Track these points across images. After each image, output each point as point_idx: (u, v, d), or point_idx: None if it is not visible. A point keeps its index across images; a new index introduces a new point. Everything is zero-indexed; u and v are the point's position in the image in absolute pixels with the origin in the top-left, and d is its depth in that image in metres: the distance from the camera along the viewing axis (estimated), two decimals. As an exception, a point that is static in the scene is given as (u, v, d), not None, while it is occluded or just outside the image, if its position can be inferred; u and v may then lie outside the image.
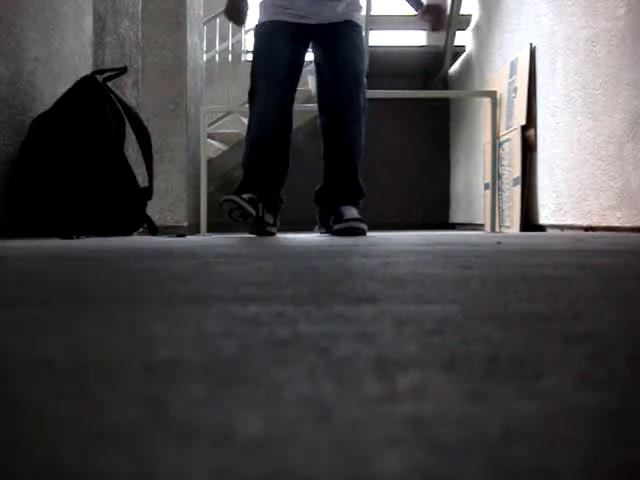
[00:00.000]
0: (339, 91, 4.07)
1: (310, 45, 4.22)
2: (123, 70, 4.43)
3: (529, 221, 5.64)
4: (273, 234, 4.18)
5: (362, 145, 4.20)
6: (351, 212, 4.08)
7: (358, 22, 4.26)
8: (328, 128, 4.14)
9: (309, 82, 7.34)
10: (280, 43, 4.08)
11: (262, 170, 4.15)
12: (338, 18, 4.15)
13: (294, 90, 4.15)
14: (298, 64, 4.17)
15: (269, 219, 4.15)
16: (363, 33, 4.34)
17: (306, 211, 8.53)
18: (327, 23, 4.14)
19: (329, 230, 4.17)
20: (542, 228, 5.41)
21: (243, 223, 4.18)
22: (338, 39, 4.12)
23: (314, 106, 4.38)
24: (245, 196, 4.12)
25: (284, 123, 4.13)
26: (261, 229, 4.12)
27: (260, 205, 4.08)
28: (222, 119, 8.27)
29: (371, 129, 8.45)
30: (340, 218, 4.06)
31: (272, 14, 4.14)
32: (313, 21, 4.14)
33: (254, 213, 4.06)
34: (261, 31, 4.18)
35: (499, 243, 2.74)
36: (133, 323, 0.73)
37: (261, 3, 4.24)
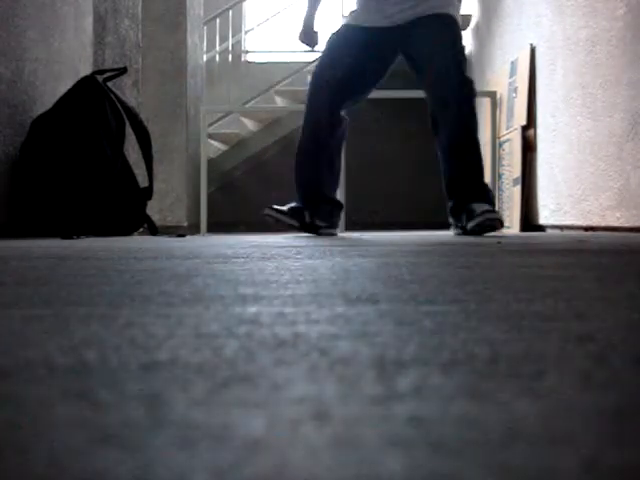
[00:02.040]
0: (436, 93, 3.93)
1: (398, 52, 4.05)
2: (123, 70, 4.43)
3: (529, 221, 5.64)
4: (333, 234, 4.16)
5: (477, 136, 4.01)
6: (481, 207, 3.84)
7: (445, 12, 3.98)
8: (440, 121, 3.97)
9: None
10: (346, 47, 3.97)
11: (301, 178, 4.13)
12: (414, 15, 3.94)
13: (346, 95, 4.03)
14: (363, 70, 4.02)
15: (320, 223, 4.11)
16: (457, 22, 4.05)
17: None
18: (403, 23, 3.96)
19: (464, 230, 3.93)
20: (542, 228, 5.41)
21: (295, 230, 4.16)
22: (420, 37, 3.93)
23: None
24: (285, 207, 4.09)
25: (325, 127, 4.04)
26: (315, 232, 4.11)
27: (307, 213, 4.06)
28: (222, 119, 8.27)
29: (371, 129, 8.46)
30: (472, 214, 3.84)
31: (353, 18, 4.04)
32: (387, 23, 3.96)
33: (296, 224, 4.04)
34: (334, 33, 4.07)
35: (499, 243, 2.74)
36: (133, 323, 0.73)
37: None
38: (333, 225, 4.23)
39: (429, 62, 3.94)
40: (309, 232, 4.12)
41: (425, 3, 3.96)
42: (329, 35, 4.12)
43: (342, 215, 5.24)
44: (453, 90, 3.92)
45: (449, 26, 3.98)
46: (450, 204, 4.05)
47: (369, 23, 4.00)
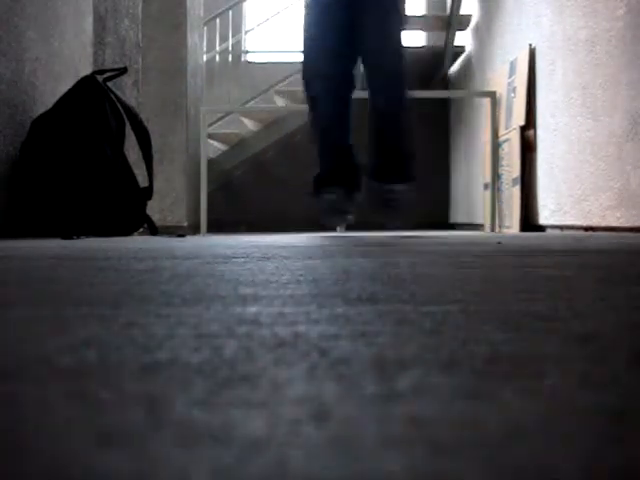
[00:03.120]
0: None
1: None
2: (123, 70, 4.43)
3: (529, 221, 5.64)
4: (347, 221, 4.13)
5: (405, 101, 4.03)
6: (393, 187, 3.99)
7: None
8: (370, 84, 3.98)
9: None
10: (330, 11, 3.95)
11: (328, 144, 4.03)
12: None
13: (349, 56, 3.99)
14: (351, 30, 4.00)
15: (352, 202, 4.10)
16: None
17: (307, 211, 8.53)
18: None
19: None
20: (542, 228, 5.41)
21: (336, 217, 4.08)
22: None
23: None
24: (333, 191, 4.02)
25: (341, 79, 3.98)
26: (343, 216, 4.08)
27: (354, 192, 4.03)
28: (222, 119, 8.28)
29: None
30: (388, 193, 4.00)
31: None
32: None
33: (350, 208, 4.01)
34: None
35: (499, 243, 2.74)
36: (133, 323, 0.73)
37: None
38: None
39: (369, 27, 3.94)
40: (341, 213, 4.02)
41: None
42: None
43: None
44: (389, 62, 4.00)
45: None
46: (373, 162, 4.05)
47: None
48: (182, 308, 0.85)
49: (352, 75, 4.09)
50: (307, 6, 4.08)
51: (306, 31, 4.07)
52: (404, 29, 4.05)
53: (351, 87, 4.07)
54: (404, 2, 4.11)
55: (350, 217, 4.14)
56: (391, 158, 4.04)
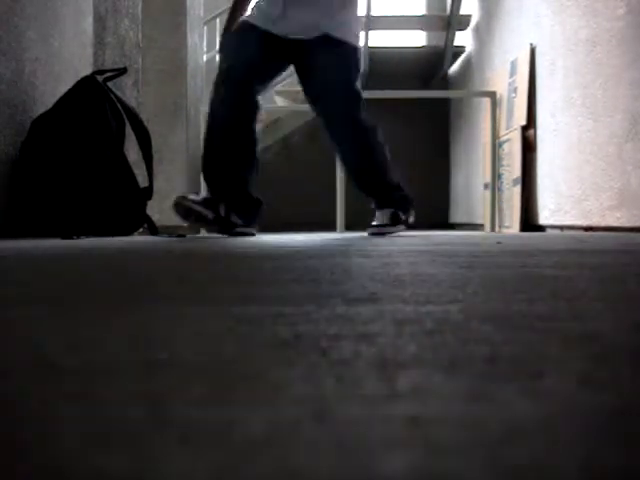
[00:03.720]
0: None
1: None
2: (123, 70, 4.43)
3: (529, 221, 5.64)
4: (250, 234, 4.01)
5: (378, 157, 4.09)
6: (381, 218, 4.06)
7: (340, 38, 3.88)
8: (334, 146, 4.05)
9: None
10: (249, 43, 3.89)
11: (217, 168, 3.97)
12: (312, 33, 3.86)
13: (255, 89, 3.94)
14: (264, 69, 3.95)
15: (236, 220, 3.96)
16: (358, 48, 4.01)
17: (306, 211, 8.53)
18: (300, 39, 3.88)
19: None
20: (542, 228, 5.41)
21: (206, 226, 4.00)
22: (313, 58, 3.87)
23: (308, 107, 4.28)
24: (197, 197, 3.98)
25: (239, 118, 3.92)
26: (228, 230, 3.94)
27: (222, 206, 3.90)
28: (222, 119, 8.27)
29: (371, 129, 8.41)
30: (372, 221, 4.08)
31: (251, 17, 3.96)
32: (284, 33, 3.88)
33: (210, 215, 3.88)
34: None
35: (499, 243, 2.74)
36: (133, 323, 0.73)
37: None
38: (250, 224, 4.07)
39: (321, 95, 3.91)
40: (221, 229, 3.94)
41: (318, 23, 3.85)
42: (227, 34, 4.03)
43: (342, 215, 5.23)
44: (343, 128, 3.93)
45: (344, 56, 3.89)
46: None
47: (262, 25, 3.91)
48: (182, 308, 0.85)
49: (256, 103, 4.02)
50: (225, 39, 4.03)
51: (221, 60, 4.03)
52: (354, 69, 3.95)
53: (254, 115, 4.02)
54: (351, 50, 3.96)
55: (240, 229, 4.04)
56: (380, 196, 4.12)
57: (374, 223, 4.08)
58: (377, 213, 4.10)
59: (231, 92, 3.89)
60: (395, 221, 4.08)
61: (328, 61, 3.83)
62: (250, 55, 3.88)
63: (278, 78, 4.18)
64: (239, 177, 4.01)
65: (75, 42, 4.85)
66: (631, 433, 0.36)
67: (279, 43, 3.89)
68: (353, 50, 3.92)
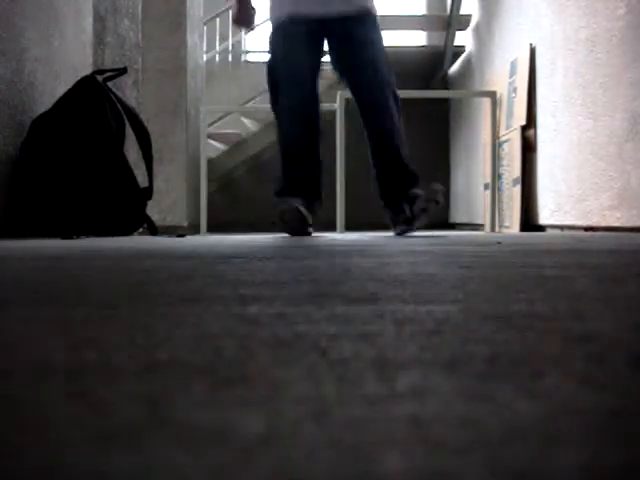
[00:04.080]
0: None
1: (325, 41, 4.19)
2: (123, 70, 4.43)
3: (529, 221, 5.64)
4: (310, 234, 4.21)
5: (400, 132, 4.18)
6: (403, 213, 4.10)
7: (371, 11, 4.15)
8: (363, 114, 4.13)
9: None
10: (296, 45, 4.09)
11: (299, 172, 4.17)
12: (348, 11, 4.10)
13: (314, 84, 4.14)
14: (316, 63, 4.16)
15: (310, 220, 4.18)
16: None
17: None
18: (337, 17, 4.10)
19: (409, 219, 4.16)
20: (542, 228, 5.41)
21: (289, 227, 4.14)
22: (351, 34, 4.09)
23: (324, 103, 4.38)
24: (296, 201, 4.13)
25: (309, 123, 4.12)
26: (304, 230, 4.13)
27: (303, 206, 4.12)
28: (222, 119, 8.28)
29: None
30: (397, 220, 4.13)
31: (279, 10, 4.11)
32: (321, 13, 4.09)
33: (308, 219, 4.09)
34: (275, 37, 4.20)
35: (499, 243, 2.74)
36: (133, 323, 0.73)
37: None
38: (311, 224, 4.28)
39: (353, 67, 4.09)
40: (301, 228, 4.10)
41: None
42: (270, 37, 4.23)
43: (342, 215, 5.26)
44: (378, 96, 4.09)
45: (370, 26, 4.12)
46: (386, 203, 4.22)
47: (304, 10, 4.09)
48: (182, 308, 0.85)
49: (317, 94, 4.20)
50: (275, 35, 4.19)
51: (273, 57, 4.23)
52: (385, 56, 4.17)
53: (317, 104, 4.19)
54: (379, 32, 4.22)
55: (311, 229, 4.21)
56: (398, 174, 4.16)
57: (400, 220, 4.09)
58: (404, 209, 4.10)
59: (295, 100, 4.12)
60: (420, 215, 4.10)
61: (368, 32, 4.07)
62: (302, 55, 4.09)
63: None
64: (314, 178, 4.21)
65: (75, 42, 4.85)
66: (631, 433, 0.36)
67: (318, 25, 4.08)
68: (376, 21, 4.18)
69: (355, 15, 4.10)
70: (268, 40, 4.26)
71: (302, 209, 4.03)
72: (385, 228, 5.05)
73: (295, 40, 4.09)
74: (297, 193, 4.13)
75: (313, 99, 4.14)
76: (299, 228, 4.06)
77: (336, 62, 4.20)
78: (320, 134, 4.18)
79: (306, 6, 4.08)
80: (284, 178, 4.18)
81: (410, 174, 4.18)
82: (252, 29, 4.34)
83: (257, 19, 4.34)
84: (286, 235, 4.13)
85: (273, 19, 4.21)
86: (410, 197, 4.07)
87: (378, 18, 4.22)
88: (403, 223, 4.14)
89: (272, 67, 4.19)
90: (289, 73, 4.12)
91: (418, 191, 4.09)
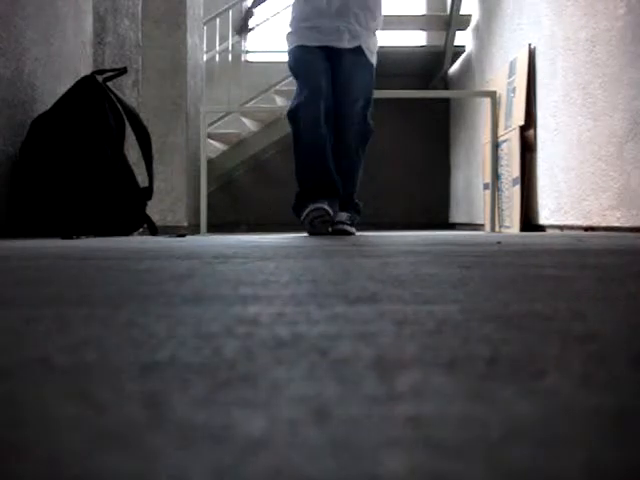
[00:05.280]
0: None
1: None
2: (123, 70, 4.43)
3: (529, 221, 5.64)
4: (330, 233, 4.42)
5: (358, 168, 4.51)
6: (341, 216, 4.43)
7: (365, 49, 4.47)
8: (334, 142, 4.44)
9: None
10: (315, 62, 4.40)
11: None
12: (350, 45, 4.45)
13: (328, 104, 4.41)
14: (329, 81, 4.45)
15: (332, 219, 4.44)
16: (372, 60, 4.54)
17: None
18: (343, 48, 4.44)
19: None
20: (542, 228, 5.41)
21: (319, 228, 4.35)
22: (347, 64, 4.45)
23: None
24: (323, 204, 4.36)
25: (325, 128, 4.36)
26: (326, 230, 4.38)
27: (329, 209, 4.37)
28: (222, 119, 8.27)
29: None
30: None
31: (303, 38, 4.44)
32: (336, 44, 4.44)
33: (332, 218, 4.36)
34: (297, 54, 4.46)
35: (499, 243, 2.74)
36: (133, 323, 0.73)
37: (289, 33, 4.51)
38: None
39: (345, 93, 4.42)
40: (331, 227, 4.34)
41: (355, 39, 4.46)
42: (294, 62, 4.48)
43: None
44: (355, 134, 4.43)
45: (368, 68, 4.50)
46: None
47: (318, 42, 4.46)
48: (182, 308, 0.85)
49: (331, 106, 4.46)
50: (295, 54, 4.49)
51: (297, 73, 4.47)
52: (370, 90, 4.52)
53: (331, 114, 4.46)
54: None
55: (331, 228, 4.46)
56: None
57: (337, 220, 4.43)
58: (340, 213, 4.45)
59: (314, 118, 4.34)
60: (352, 223, 4.50)
61: (358, 66, 4.45)
62: (321, 78, 4.40)
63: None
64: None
65: (75, 42, 4.85)
66: (631, 433, 0.36)
67: (329, 53, 4.47)
68: (371, 64, 4.56)
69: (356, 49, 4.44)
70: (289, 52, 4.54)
71: (327, 208, 4.25)
72: (382, 228, 5.07)
73: (311, 55, 4.42)
74: (319, 196, 4.32)
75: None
76: (323, 228, 4.30)
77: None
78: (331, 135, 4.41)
79: (318, 40, 4.42)
80: (306, 185, 4.41)
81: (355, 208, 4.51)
82: (250, 30, 4.61)
83: (254, 21, 4.61)
84: (299, 234, 4.30)
85: (290, 43, 4.53)
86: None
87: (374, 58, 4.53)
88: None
89: (295, 74, 4.45)
90: (308, 78, 4.37)
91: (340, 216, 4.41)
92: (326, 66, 4.41)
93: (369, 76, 4.48)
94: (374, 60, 4.54)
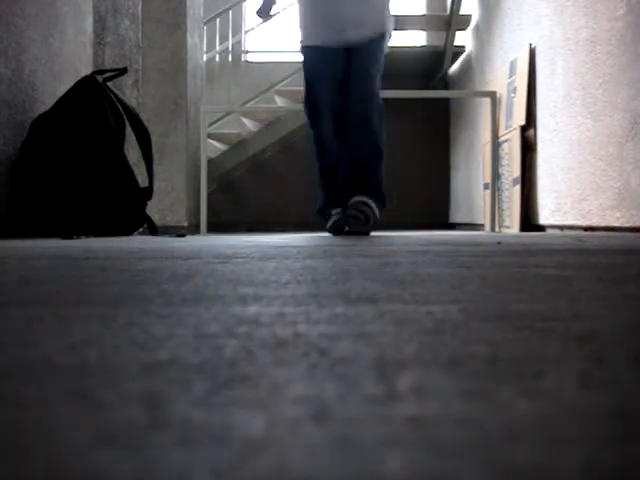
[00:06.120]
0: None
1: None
2: (123, 70, 4.43)
3: (529, 221, 5.64)
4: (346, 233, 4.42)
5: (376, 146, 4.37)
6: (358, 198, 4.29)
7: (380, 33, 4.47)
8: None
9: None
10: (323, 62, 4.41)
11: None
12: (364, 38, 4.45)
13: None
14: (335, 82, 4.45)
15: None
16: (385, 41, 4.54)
17: (306, 210, 8.53)
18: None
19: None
20: (542, 228, 5.41)
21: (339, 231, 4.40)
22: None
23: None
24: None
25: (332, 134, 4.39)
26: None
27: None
28: (222, 119, 8.28)
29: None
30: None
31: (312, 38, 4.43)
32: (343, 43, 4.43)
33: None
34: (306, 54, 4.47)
35: (499, 243, 2.74)
36: (133, 323, 0.73)
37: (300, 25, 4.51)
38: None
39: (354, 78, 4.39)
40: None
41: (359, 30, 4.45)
42: (304, 60, 4.47)
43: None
44: (365, 112, 4.34)
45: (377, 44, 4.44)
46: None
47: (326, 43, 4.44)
48: (182, 308, 0.85)
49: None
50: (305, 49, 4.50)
51: (307, 74, 4.46)
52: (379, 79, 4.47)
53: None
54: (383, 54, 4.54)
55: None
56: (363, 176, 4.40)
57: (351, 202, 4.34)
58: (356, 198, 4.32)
59: (325, 118, 4.38)
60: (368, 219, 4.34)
61: (370, 50, 4.42)
62: (329, 78, 4.40)
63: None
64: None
65: (75, 42, 4.85)
66: (631, 433, 0.36)
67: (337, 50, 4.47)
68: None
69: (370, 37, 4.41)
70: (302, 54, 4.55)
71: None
72: (383, 228, 5.08)
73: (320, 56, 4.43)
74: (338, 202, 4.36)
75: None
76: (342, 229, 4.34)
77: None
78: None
79: (325, 38, 4.38)
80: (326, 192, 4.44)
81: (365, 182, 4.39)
82: (270, 17, 4.84)
83: (257, 20, 4.68)
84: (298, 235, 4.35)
85: (301, 43, 4.52)
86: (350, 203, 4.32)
87: (387, 35, 4.52)
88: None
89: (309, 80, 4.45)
90: (317, 81, 4.39)
91: (358, 199, 4.29)
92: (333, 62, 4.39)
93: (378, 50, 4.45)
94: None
